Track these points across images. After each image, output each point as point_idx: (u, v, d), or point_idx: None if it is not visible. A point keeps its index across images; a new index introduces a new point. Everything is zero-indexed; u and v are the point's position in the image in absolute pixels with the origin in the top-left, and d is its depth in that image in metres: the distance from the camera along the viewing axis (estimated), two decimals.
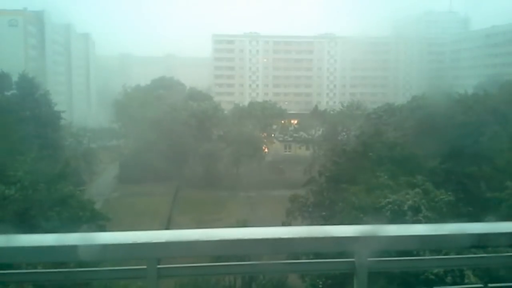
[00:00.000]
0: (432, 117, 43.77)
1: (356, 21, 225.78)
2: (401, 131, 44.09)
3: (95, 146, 74.47)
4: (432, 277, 15.90)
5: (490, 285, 2.76)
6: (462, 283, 14.89)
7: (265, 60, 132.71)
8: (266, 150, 75.41)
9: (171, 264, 2.48)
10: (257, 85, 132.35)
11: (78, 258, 2.33)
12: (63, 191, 29.00)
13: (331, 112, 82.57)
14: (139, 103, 72.00)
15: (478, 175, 34.55)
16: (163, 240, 2.36)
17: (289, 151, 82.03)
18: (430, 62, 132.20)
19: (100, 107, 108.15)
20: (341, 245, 2.53)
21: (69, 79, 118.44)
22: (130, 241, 2.33)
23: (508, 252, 2.72)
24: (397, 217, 23.15)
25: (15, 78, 57.40)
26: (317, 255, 2.87)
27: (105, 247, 2.34)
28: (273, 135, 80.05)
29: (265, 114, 77.26)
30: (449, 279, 15.98)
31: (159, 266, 2.39)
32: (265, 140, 75.86)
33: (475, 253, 2.82)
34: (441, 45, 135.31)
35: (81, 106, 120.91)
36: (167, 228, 37.78)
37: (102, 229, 28.67)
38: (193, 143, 64.06)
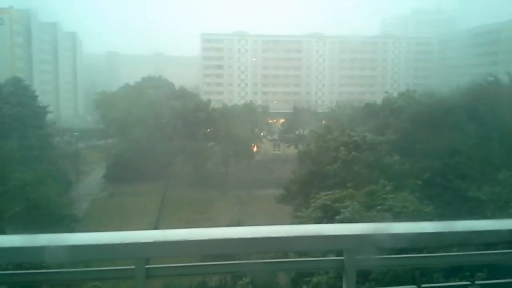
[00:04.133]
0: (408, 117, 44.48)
1: (345, 20, 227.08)
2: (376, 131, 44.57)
3: (83, 145, 74.06)
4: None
5: (478, 282, 2.78)
6: (450, 280, 15.02)
7: (254, 59, 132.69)
8: (255, 149, 75.46)
9: (160, 264, 2.47)
10: (246, 84, 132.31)
11: (66, 259, 2.31)
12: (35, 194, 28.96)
13: (319, 111, 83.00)
14: (127, 102, 71.67)
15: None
16: (151, 240, 2.34)
17: (278, 150, 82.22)
18: (418, 61, 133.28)
19: (87, 106, 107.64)
20: (330, 244, 2.53)
21: (56, 78, 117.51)
22: (118, 241, 2.31)
23: (497, 249, 2.74)
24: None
25: (1, 77, 56.93)
26: (307, 254, 2.87)
27: (93, 247, 2.32)
28: (262, 134, 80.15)
29: (253, 114, 77.35)
30: (437, 276, 16.13)
31: (147, 266, 2.38)
32: (254, 139, 75.89)
33: (463, 251, 2.84)
34: (429, 44, 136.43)
35: (68, 105, 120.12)
36: (155, 228, 37.66)
37: (72, 231, 28.64)
38: (182, 142, 63.87)
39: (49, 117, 61.31)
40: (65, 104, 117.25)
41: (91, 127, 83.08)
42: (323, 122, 65.94)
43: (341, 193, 26.73)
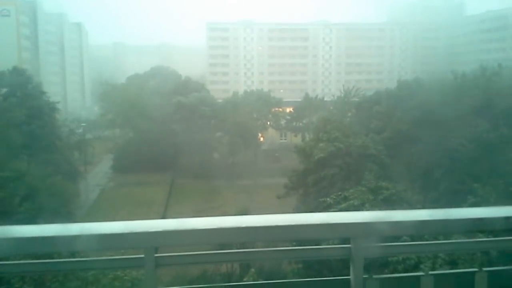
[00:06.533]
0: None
1: (351, 7, 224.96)
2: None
3: (91, 136, 74.23)
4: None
5: (485, 269, 2.79)
6: (457, 267, 15.01)
7: (260, 48, 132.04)
8: (261, 138, 75.39)
9: (169, 253, 2.49)
10: (252, 73, 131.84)
11: (76, 248, 2.34)
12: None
13: (326, 99, 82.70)
14: (134, 92, 71.69)
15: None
16: (160, 229, 2.36)
17: (284, 139, 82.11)
18: (425, 48, 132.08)
19: (95, 97, 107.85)
20: (337, 232, 2.55)
21: (62, 69, 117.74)
22: (128, 231, 2.33)
23: (504, 236, 2.75)
24: None
25: (8, 69, 56.98)
26: (314, 242, 2.89)
27: (103, 236, 2.34)
28: (268, 123, 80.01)
29: (260, 103, 77.15)
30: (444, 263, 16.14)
31: (156, 255, 2.40)
32: (261, 129, 75.81)
33: (471, 238, 2.85)
34: (436, 31, 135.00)
35: (75, 96, 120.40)
36: (164, 217, 37.87)
37: (80, 221, 28.96)
38: (188, 132, 63.90)
39: (56, 108, 61.44)
40: (72, 95, 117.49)
41: (99, 117, 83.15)
42: (330, 111, 65.92)
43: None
